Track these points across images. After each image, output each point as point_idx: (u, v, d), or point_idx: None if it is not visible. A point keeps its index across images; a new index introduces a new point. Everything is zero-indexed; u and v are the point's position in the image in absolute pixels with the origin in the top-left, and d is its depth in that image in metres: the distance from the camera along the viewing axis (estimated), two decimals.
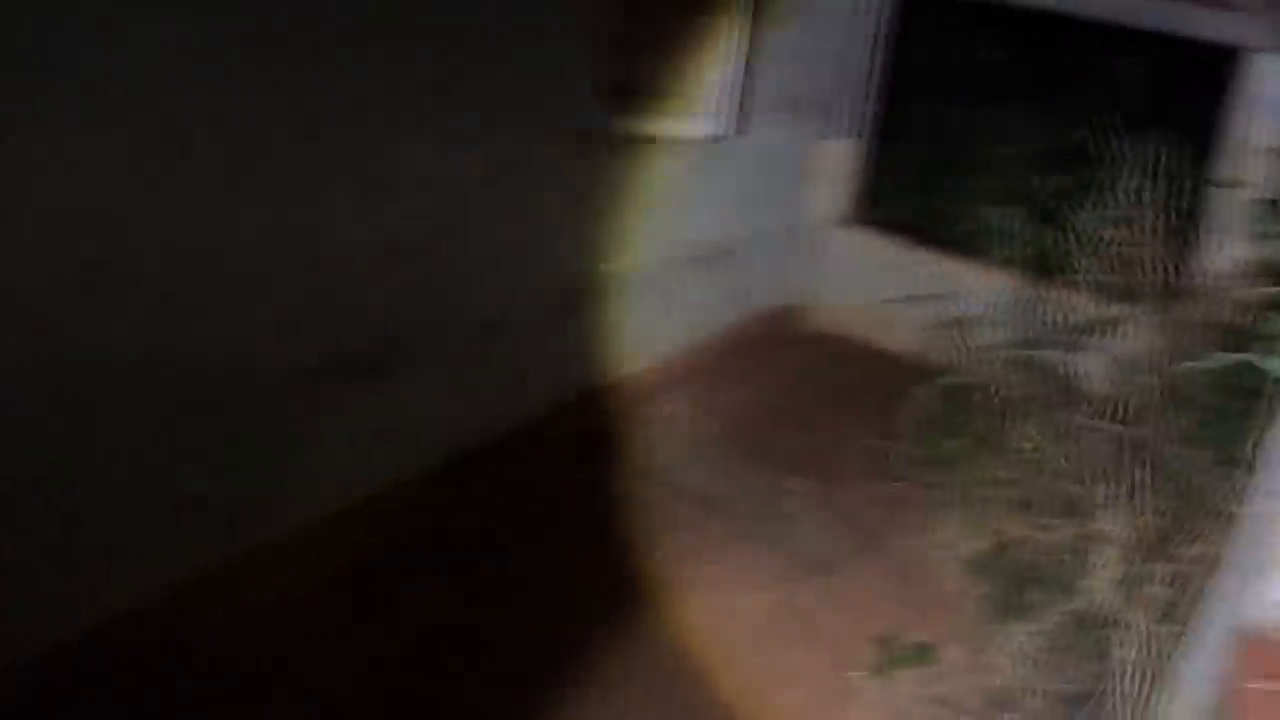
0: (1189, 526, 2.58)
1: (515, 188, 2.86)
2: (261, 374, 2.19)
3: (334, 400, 2.41)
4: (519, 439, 3.12)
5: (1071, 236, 3.37)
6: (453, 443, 2.86)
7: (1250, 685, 1.29)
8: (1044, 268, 3.72)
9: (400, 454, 2.70)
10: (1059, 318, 3.55)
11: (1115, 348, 3.25)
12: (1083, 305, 3.34)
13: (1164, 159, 3.13)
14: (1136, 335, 3.19)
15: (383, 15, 2.23)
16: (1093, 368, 3.25)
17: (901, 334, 4.22)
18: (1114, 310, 3.23)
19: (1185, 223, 3.23)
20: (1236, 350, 2.75)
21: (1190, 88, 4.38)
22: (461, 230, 2.70)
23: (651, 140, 3.35)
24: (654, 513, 3.04)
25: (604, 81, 3.09)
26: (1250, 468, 2.30)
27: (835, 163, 4.34)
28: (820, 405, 3.92)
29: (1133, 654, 2.35)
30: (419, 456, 2.76)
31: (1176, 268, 3.18)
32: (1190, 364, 2.93)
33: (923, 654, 2.61)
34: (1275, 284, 3.08)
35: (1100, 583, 2.56)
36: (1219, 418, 2.78)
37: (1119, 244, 3.19)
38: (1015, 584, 2.79)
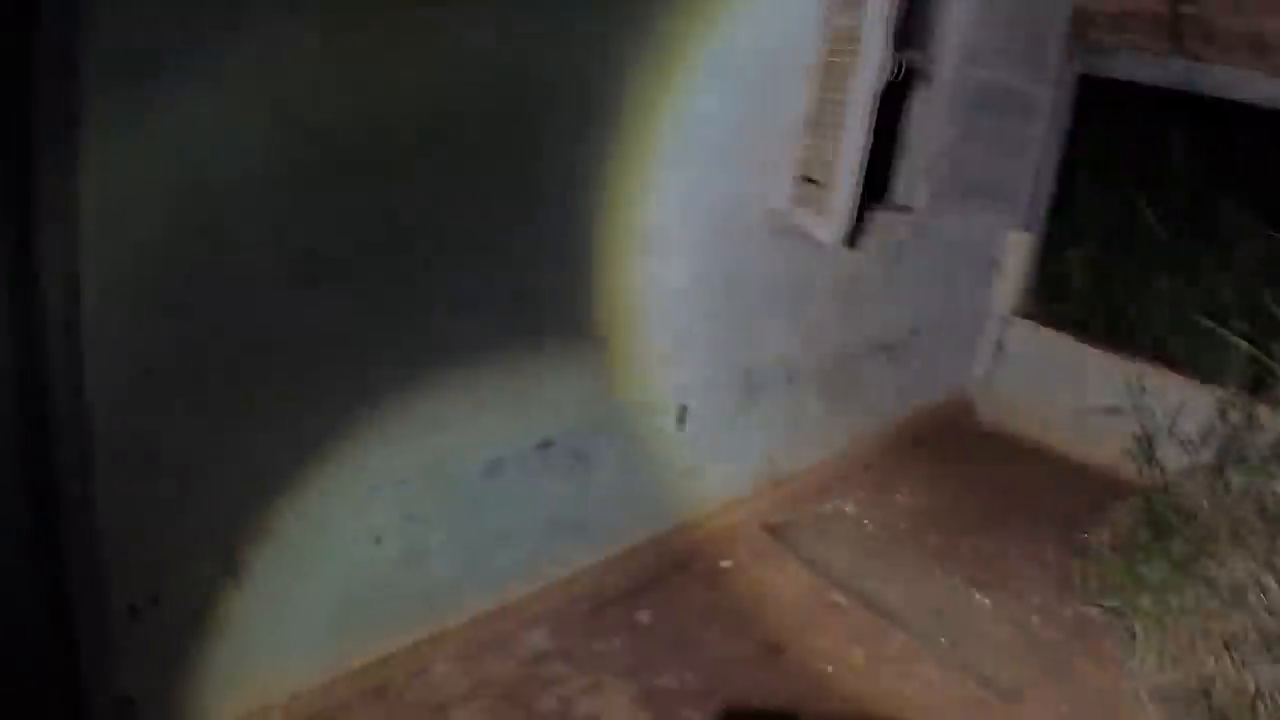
0: None
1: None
2: None
3: None
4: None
5: None
6: None
7: None
8: (1256, 381, 3.48)
9: None
10: (1268, 437, 3.30)
11: None
12: None
13: None
14: None
15: None
16: None
17: (1087, 439, 3.97)
18: None
19: None
20: None
21: None
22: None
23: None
24: (838, 619, 2.93)
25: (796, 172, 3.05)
26: None
27: (1015, 255, 4.19)
28: (1000, 512, 3.70)
29: None
30: None
31: None
32: None
33: None
34: None
35: None
36: None
37: None
38: None
